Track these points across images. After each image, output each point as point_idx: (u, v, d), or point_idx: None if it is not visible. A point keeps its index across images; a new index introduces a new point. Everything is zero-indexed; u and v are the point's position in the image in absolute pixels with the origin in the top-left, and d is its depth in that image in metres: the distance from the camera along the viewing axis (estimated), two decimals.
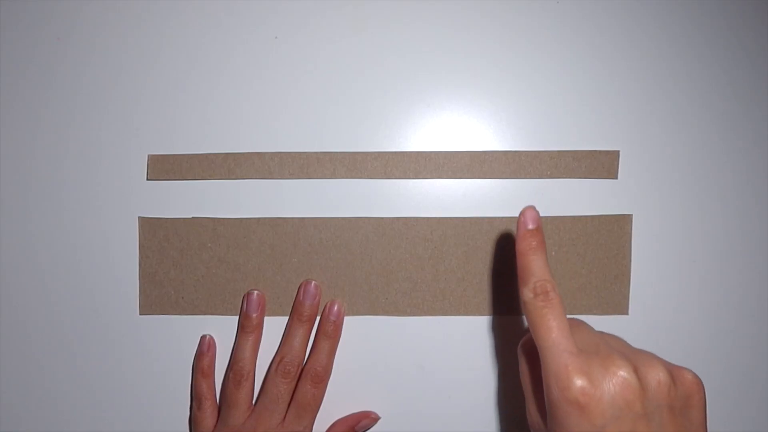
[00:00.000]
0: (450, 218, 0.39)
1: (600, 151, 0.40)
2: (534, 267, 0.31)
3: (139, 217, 0.40)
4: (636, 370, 0.27)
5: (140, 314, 0.40)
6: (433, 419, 0.40)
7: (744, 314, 0.40)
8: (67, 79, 0.40)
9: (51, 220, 0.40)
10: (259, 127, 0.40)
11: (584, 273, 0.39)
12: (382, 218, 0.40)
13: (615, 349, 0.29)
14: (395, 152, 0.40)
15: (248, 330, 0.39)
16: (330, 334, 0.39)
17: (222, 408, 0.38)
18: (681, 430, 0.27)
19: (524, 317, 0.39)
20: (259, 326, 0.39)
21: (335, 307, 0.39)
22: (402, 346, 0.40)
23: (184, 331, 0.40)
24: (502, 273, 0.39)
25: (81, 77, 0.40)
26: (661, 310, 0.40)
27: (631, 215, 0.40)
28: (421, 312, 0.40)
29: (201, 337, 0.40)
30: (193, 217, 0.40)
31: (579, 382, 0.27)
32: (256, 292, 0.39)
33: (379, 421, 0.40)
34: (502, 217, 0.39)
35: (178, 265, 0.40)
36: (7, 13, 0.40)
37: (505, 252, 0.39)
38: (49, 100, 0.40)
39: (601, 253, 0.40)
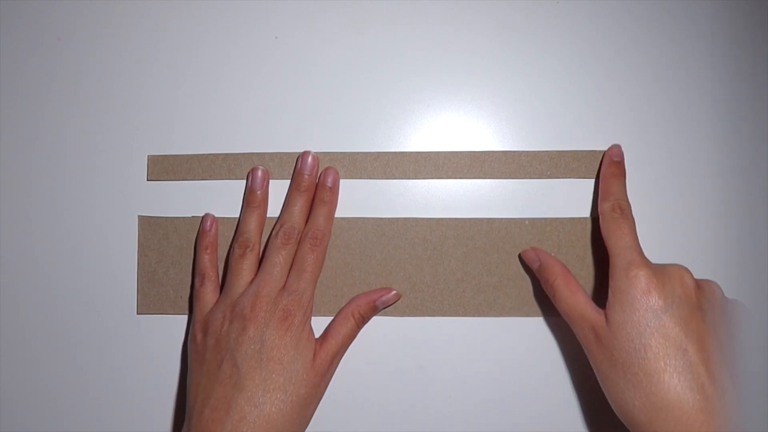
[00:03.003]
0: (449, 219, 0.39)
1: (600, 152, 0.40)
2: (615, 189, 0.37)
3: (138, 216, 0.40)
4: (693, 277, 0.32)
5: (138, 313, 0.40)
6: (434, 419, 0.40)
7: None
8: (67, 79, 0.40)
9: (51, 219, 0.40)
10: (259, 127, 0.40)
11: (584, 275, 0.39)
12: (381, 218, 0.39)
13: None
14: (395, 152, 0.40)
15: (254, 205, 0.39)
16: (326, 199, 0.38)
17: (226, 279, 0.38)
18: (726, 331, 0.32)
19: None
20: (264, 201, 0.39)
21: (331, 174, 0.39)
22: (402, 346, 0.40)
23: (182, 331, 0.40)
24: (502, 274, 0.39)
25: (81, 77, 0.40)
26: None
27: None
28: (421, 312, 0.40)
29: (203, 216, 0.39)
30: (192, 216, 0.40)
31: (645, 271, 0.32)
32: (260, 168, 0.39)
33: (379, 422, 0.39)
34: (502, 218, 0.39)
35: (177, 264, 0.40)
36: (7, 13, 0.40)
37: (504, 252, 0.39)
38: (49, 100, 0.40)
39: (601, 253, 0.39)
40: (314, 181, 0.39)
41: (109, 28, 0.40)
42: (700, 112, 0.40)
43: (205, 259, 0.38)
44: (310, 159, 0.39)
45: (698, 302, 0.32)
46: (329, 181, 0.39)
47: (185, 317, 0.40)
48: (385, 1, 0.40)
